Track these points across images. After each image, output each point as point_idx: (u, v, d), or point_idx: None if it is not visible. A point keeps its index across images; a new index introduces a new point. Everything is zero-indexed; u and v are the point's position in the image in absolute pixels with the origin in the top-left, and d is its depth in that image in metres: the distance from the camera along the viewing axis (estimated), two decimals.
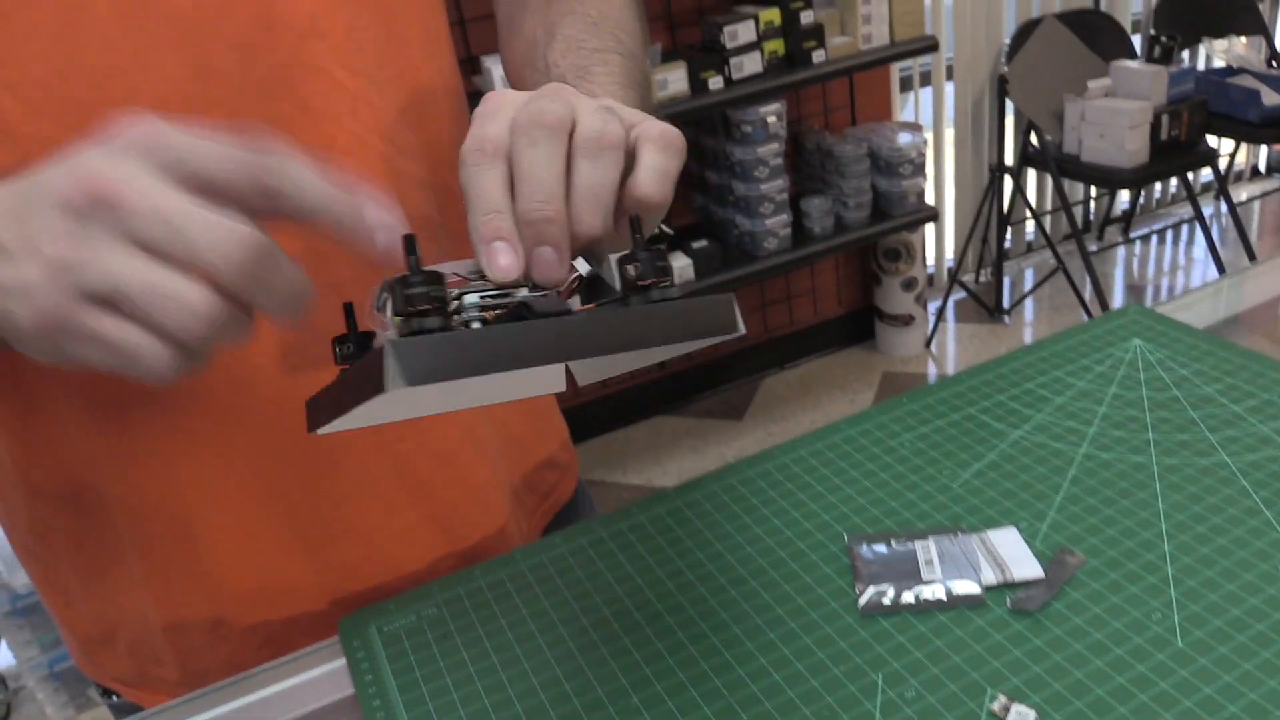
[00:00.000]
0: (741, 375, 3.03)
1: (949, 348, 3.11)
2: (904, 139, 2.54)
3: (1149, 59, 3.03)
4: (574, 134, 0.43)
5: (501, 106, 0.45)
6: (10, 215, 0.41)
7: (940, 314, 3.13)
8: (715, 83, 2.25)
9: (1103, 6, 3.29)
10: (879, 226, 2.57)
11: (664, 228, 2.41)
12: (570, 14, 0.67)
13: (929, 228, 2.84)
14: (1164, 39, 2.95)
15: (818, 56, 2.32)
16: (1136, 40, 3.30)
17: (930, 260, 3.32)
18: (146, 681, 0.73)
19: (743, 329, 0.45)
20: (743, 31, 2.24)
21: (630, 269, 0.42)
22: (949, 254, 3.40)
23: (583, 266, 0.45)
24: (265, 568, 0.67)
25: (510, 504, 0.76)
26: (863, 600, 0.58)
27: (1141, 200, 3.70)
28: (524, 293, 0.42)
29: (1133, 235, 3.65)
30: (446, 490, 0.70)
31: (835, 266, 3.03)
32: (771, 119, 2.34)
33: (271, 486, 0.65)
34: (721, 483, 0.71)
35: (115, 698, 0.77)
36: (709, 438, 2.82)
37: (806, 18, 2.30)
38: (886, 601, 0.58)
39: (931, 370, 3.01)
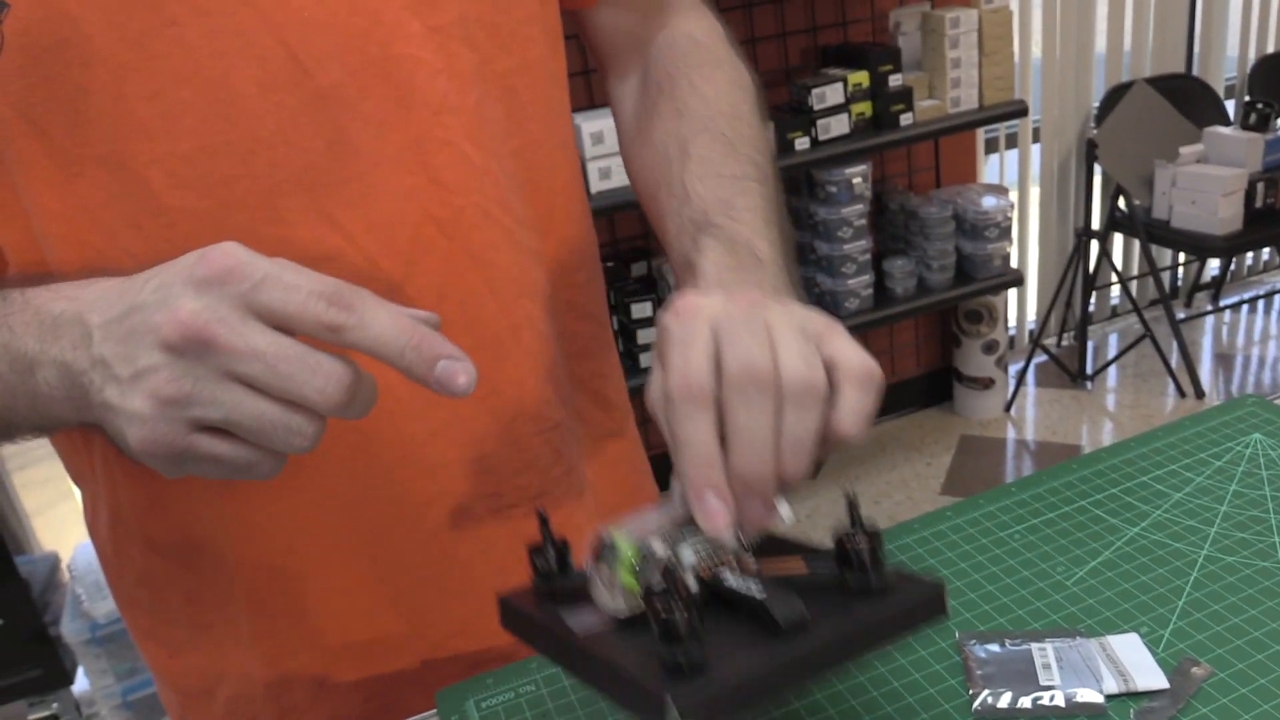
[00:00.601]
0: None
1: (1029, 412, 3.04)
2: (989, 202, 2.52)
3: (1244, 125, 2.97)
4: (779, 378, 0.44)
5: (697, 329, 0.46)
6: (114, 332, 0.44)
7: (1021, 378, 3.08)
8: (801, 143, 2.25)
9: (1195, 71, 3.24)
10: (962, 289, 2.54)
11: None
12: (705, 131, 0.67)
13: (1011, 290, 2.80)
14: (1260, 105, 2.90)
15: (905, 119, 2.31)
16: (1229, 105, 3.24)
17: (1012, 322, 3.27)
18: None
19: (949, 613, 0.49)
20: (831, 94, 2.24)
21: (850, 550, 0.45)
22: (1031, 316, 3.34)
23: (786, 514, 0.49)
24: (369, 626, 0.67)
25: None
26: (977, 703, 0.56)
27: (1232, 268, 3.61)
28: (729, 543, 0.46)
29: (1222, 303, 3.55)
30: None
31: (915, 326, 2.99)
32: (857, 180, 2.34)
33: (391, 545, 0.66)
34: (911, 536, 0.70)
35: None
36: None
37: (895, 81, 2.30)
38: (1003, 705, 0.56)
39: (1010, 434, 2.95)
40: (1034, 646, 0.60)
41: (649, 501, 0.84)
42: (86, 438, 0.67)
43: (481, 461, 0.66)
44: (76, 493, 2.56)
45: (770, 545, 0.50)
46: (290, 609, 0.67)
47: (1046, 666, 0.58)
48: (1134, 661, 0.58)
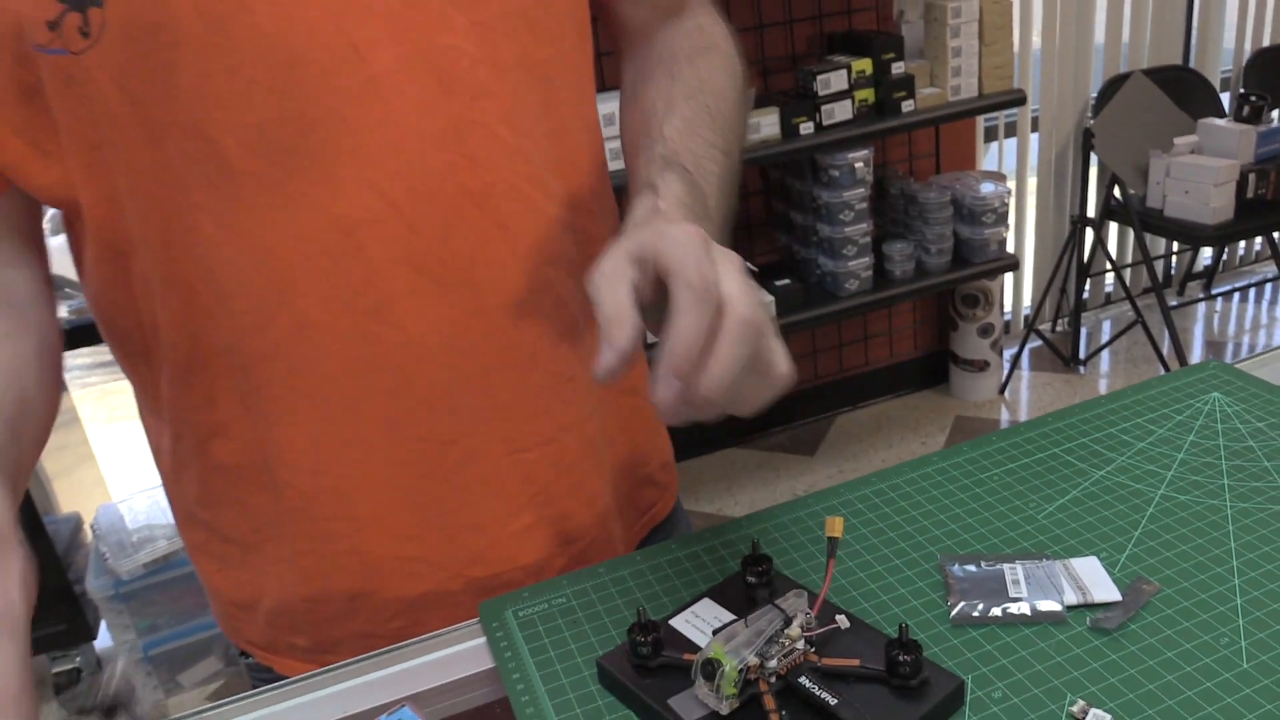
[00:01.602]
0: (814, 412, 3.08)
1: (1022, 395, 3.13)
2: (987, 188, 2.59)
3: (1238, 118, 3.04)
4: (730, 308, 0.54)
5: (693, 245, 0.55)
6: None
7: (1015, 361, 3.16)
8: (806, 128, 2.33)
9: (1192, 63, 3.31)
10: (959, 273, 2.62)
11: (749, 265, 2.49)
12: (690, 98, 0.75)
13: (1007, 275, 2.88)
14: (1253, 98, 2.97)
15: (907, 106, 2.38)
16: (1225, 98, 3.31)
17: (1007, 308, 3.35)
18: (279, 648, 0.82)
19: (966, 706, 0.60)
20: (835, 80, 2.32)
21: (899, 661, 0.57)
22: (1026, 302, 3.42)
23: (843, 622, 0.62)
24: (407, 546, 0.75)
25: (616, 515, 0.84)
26: (954, 611, 0.65)
27: (1224, 257, 3.69)
28: (799, 644, 0.59)
29: (1214, 291, 3.63)
30: (564, 498, 0.79)
31: (912, 309, 3.07)
32: (859, 165, 2.41)
33: (419, 476, 0.73)
34: (824, 504, 0.78)
35: (249, 659, 0.86)
36: (780, 471, 2.87)
37: (897, 69, 2.37)
38: (976, 614, 0.64)
39: (1004, 416, 3.03)
40: (1005, 567, 0.68)
41: (660, 449, 0.92)
42: (155, 373, 0.75)
43: (498, 408, 0.74)
44: (97, 456, 2.67)
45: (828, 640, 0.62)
46: (329, 530, 0.75)
47: (1016, 582, 0.67)
48: (1092, 579, 0.66)
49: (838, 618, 0.61)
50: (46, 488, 2.62)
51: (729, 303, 0.53)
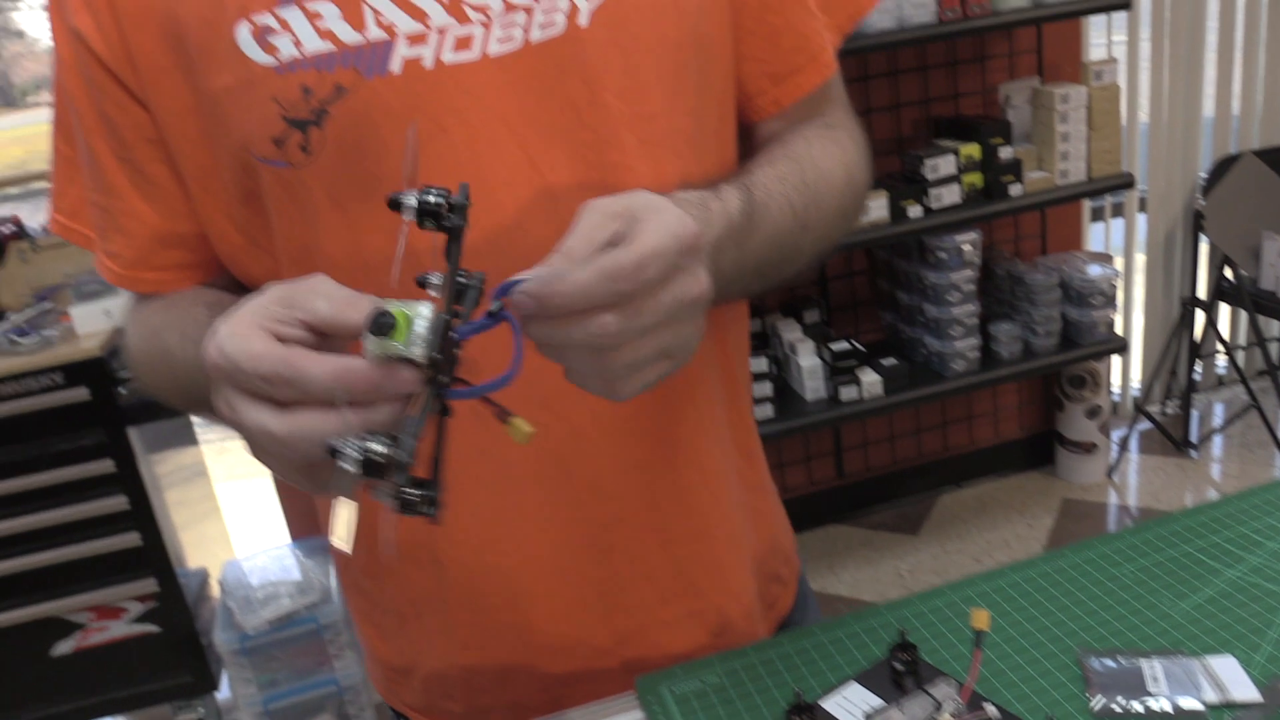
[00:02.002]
0: (917, 490, 3.07)
1: (1131, 478, 3.07)
2: (1095, 270, 2.59)
3: None
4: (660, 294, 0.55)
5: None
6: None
7: (1124, 444, 3.11)
8: (914, 211, 2.37)
9: None
10: (1067, 354, 2.61)
11: (854, 344, 2.52)
12: (790, 160, 0.77)
13: (1115, 355, 2.86)
14: None
15: (1014, 190, 2.42)
16: None
17: (1115, 388, 3.31)
18: (434, 712, 0.88)
19: None
20: (944, 164, 2.37)
21: None
22: (1135, 382, 3.38)
23: (991, 711, 0.65)
24: (563, 624, 0.81)
25: (759, 611, 0.89)
26: (1097, 706, 0.68)
27: None
28: None
29: None
30: (713, 592, 0.84)
31: (1018, 389, 3.06)
32: (966, 247, 2.44)
33: (577, 558, 0.79)
34: (960, 593, 0.82)
35: None
36: (883, 550, 2.87)
37: (1005, 153, 2.41)
38: (1118, 709, 0.68)
39: (1112, 499, 2.98)
40: (1143, 662, 0.71)
41: (788, 549, 0.96)
42: None
43: (652, 500, 0.79)
44: (222, 510, 2.79)
45: None
46: (489, 604, 0.81)
47: (1154, 679, 0.70)
48: (1231, 678, 0.69)
49: (985, 706, 0.65)
50: (175, 539, 2.75)
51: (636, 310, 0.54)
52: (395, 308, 0.50)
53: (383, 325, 0.50)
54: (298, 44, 0.68)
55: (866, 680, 0.72)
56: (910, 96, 2.67)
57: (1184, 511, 0.89)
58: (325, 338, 0.54)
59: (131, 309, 0.85)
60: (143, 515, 2.28)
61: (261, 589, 2.44)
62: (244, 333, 0.53)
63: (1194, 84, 3.04)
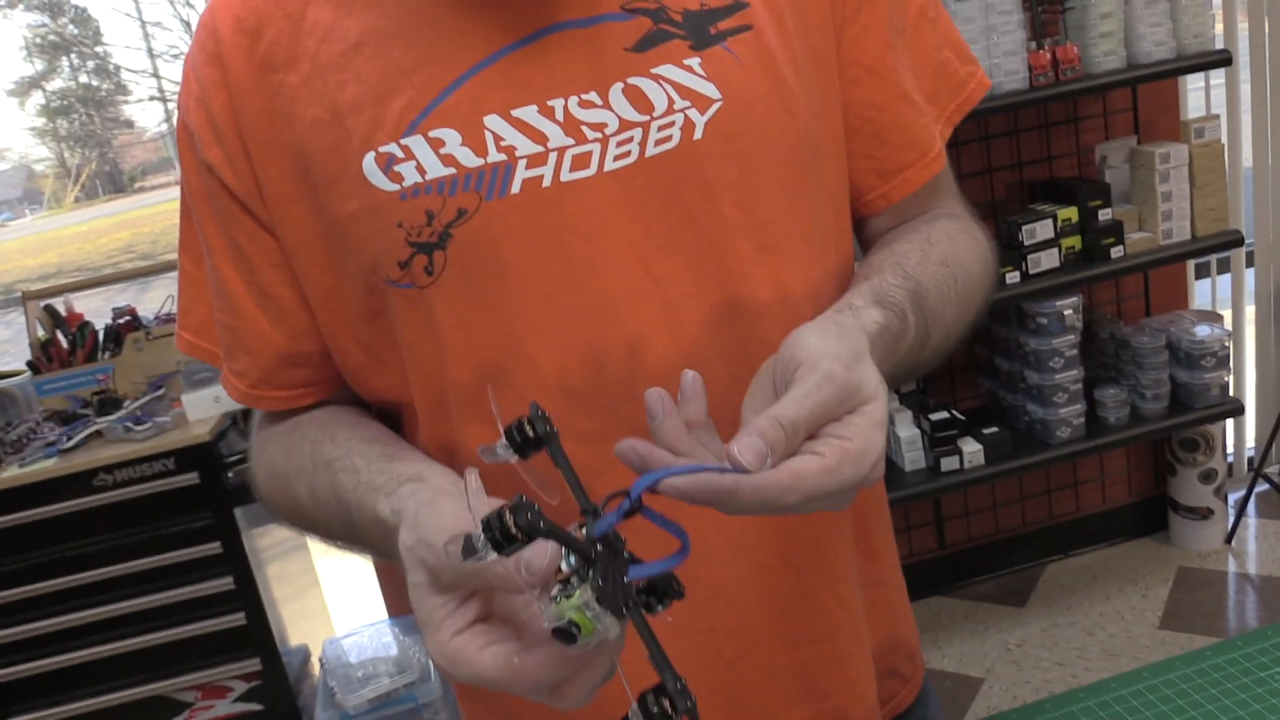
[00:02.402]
0: (1022, 561, 2.97)
1: (1250, 544, 2.93)
2: (1204, 330, 2.50)
3: None
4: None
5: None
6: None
7: (1242, 508, 2.97)
8: (1012, 277, 2.33)
9: None
10: (1178, 419, 2.52)
11: (954, 412, 2.47)
12: (944, 264, 0.77)
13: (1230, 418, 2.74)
14: None
15: (1115, 252, 2.36)
16: None
17: (1229, 448, 3.17)
18: None
19: None
20: (1040, 230, 2.32)
21: None
22: (1249, 443, 3.23)
23: None
24: None
25: (876, 709, 0.85)
26: None
27: None
28: None
29: None
30: (837, 694, 0.81)
31: (1126, 453, 2.95)
32: (1068, 312, 2.38)
33: (701, 667, 0.77)
34: (1129, 688, 0.78)
35: None
36: (989, 623, 2.77)
37: (1104, 215, 2.36)
38: None
39: (1231, 567, 2.84)
40: None
41: (907, 639, 0.93)
42: None
43: (775, 605, 0.77)
44: (321, 585, 2.82)
45: None
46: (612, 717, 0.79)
47: None
48: None
49: None
50: (278, 617, 2.80)
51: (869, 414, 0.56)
52: (564, 609, 0.49)
53: (568, 637, 0.49)
54: (421, 170, 0.69)
55: None
56: (1002, 160, 2.64)
57: None
58: None
59: (256, 430, 0.87)
60: (248, 595, 2.32)
61: (361, 667, 2.46)
62: (463, 659, 0.53)
63: None
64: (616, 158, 0.70)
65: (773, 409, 0.55)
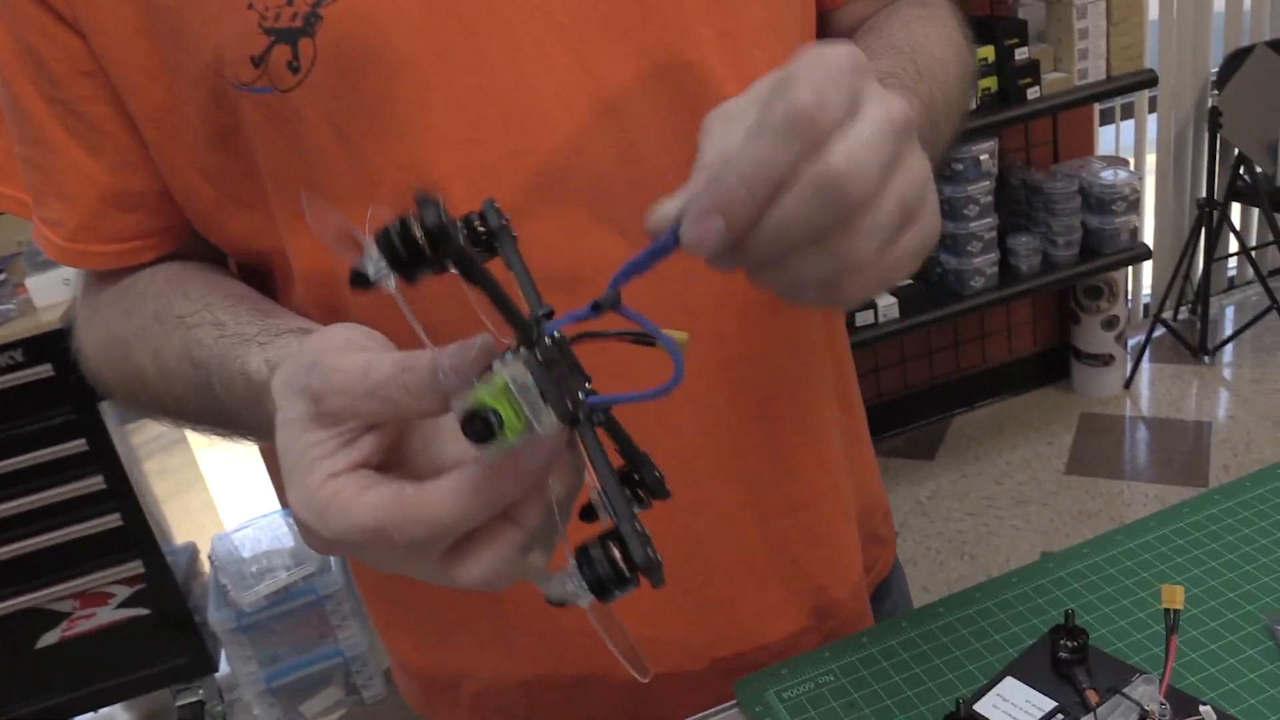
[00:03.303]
0: (930, 414, 2.96)
1: (1146, 389, 2.97)
2: (1117, 175, 2.46)
3: None
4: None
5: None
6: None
7: (1140, 354, 3.01)
8: None
9: None
10: (1089, 265, 2.49)
11: None
12: (896, 52, 0.62)
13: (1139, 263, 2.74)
14: None
15: (1032, 94, 2.27)
16: None
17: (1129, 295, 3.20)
18: None
19: None
20: None
21: None
22: (1145, 290, 3.26)
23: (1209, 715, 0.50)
24: (645, 624, 0.68)
25: (862, 583, 0.75)
26: None
27: None
28: None
29: None
30: (818, 571, 0.71)
31: (1032, 304, 2.94)
32: (984, 157, 2.30)
33: (663, 551, 0.66)
34: (1102, 553, 0.69)
35: None
36: (900, 477, 2.76)
37: (1021, 54, 2.25)
38: None
39: (1129, 410, 2.88)
40: None
41: (881, 500, 0.82)
42: None
43: (747, 471, 0.66)
44: (206, 478, 2.61)
45: None
46: (555, 610, 0.67)
47: None
48: None
49: (1202, 709, 0.52)
50: (159, 515, 2.61)
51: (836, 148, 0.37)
52: (480, 394, 0.34)
53: (484, 429, 0.34)
54: None
55: (1023, 674, 0.59)
56: None
57: None
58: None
59: (82, 295, 0.69)
60: (122, 493, 2.13)
61: (254, 561, 2.31)
62: (329, 497, 0.38)
63: None
64: None
65: (724, 168, 0.38)
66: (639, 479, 0.39)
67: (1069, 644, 0.58)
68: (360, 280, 0.36)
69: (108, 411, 2.11)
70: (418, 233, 0.34)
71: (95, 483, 2.09)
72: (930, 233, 0.41)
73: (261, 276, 0.67)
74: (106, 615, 2.19)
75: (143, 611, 2.22)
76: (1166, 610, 0.56)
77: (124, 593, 2.19)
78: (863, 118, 0.37)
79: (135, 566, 2.18)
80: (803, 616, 0.70)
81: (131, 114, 0.60)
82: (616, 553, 0.35)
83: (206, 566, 2.47)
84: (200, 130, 0.59)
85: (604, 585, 0.35)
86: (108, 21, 0.57)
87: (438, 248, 0.34)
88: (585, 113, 0.57)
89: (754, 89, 0.42)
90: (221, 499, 2.98)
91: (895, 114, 0.38)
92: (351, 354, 0.39)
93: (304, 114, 0.55)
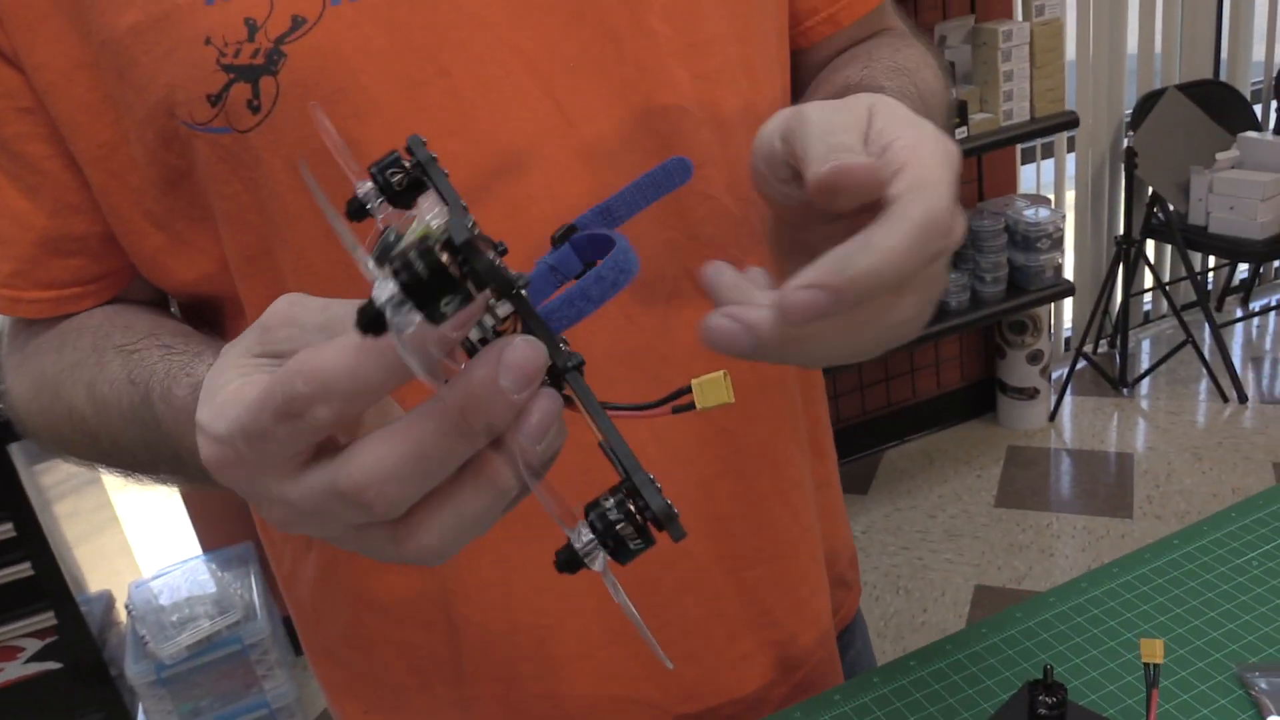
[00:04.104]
0: (862, 449, 2.99)
1: (1071, 422, 3.04)
2: (1040, 214, 2.52)
3: (1277, 130, 2.99)
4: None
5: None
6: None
7: (1063, 387, 3.08)
8: None
9: (1223, 76, 3.26)
10: (1016, 301, 2.54)
11: None
12: (897, 74, 0.62)
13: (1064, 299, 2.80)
14: None
15: (960, 134, 2.31)
16: (1257, 110, 3.26)
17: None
18: None
19: None
20: None
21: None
22: (1067, 324, 3.35)
23: None
24: (611, 685, 0.66)
25: (830, 631, 0.74)
26: None
27: (1260, 271, 3.63)
28: None
29: (1253, 306, 3.57)
30: (787, 620, 0.69)
31: (960, 339, 2.99)
32: None
33: (619, 611, 0.64)
34: (1071, 602, 0.69)
35: None
36: None
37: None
38: None
39: (1054, 443, 2.94)
40: None
41: (847, 542, 0.81)
42: None
43: (721, 522, 0.64)
44: (121, 520, 2.49)
45: None
46: (517, 671, 0.64)
47: None
48: None
49: None
50: (71, 561, 2.50)
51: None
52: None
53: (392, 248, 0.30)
54: None
55: None
56: None
57: None
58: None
59: (8, 341, 0.64)
60: (33, 540, 2.03)
61: (175, 610, 2.22)
62: (232, 395, 0.33)
63: (1118, 19, 2.98)
64: None
65: (850, 250, 0.36)
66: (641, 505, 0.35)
67: (1048, 699, 0.57)
68: (358, 211, 0.35)
69: (17, 452, 2.01)
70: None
71: (4, 530, 1.99)
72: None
73: (208, 321, 0.64)
74: (16, 670, 2.08)
75: (55, 665, 2.11)
76: (1146, 665, 0.56)
77: (35, 646, 2.08)
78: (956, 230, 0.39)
79: (47, 618, 2.07)
80: (771, 668, 0.68)
81: (74, 153, 0.56)
82: (631, 505, 0.33)
83: (123, 616, 2.36)
84: (147, 172, 0.55)
85: (621, 542, 0.33)
86: (48, 55, 0.53)
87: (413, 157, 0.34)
88: (558, 152, 0.55)
89: (849, 107, 0.41)
90: (138, 543, 2.87)
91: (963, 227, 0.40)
92: (309, 298, 0.36)
93: (263, 156, 0.53)
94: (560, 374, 0.32)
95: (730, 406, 0.61)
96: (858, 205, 0.39)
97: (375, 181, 0.35)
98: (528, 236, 0.55)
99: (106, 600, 2.41)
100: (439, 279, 0.27)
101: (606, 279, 0.34)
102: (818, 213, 0.42)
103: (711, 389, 0.34)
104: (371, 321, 0.28)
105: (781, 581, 0.67)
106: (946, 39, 2.48)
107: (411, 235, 0.31)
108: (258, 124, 0.52)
